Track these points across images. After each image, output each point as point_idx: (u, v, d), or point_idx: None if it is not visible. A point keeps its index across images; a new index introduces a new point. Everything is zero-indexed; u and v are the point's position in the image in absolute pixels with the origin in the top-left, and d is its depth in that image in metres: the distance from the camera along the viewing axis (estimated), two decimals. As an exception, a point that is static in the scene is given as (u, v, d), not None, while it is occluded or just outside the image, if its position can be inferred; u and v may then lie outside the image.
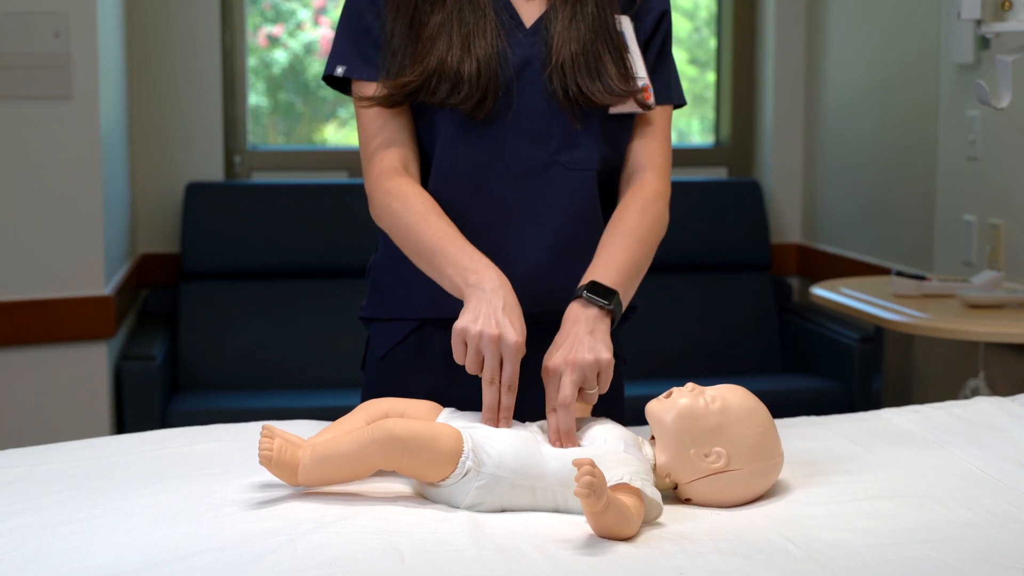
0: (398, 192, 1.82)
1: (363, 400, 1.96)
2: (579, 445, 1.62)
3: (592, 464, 1.43)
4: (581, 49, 1.83)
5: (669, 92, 1.92)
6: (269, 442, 1.55)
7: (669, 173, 1.90)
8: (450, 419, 1.66)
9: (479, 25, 1.82)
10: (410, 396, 1.86)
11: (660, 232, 1.87)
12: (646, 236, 1.83)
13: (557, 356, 1.68)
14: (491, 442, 1.57)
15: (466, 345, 1.67)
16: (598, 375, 1.68)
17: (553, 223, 1.85)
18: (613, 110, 1.85)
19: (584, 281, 1.75)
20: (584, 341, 1.68)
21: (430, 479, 1.54)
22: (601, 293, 1.73)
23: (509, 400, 1.65)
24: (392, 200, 1.82)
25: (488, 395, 1.65)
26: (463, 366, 1.69)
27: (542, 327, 1.82)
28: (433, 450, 1.53)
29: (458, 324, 1.68)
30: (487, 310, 1.67)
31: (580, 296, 1.73)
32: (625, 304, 1.77)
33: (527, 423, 1.68)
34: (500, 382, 1.65)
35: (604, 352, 1.68)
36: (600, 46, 1.84)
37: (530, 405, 1.75)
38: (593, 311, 1.72)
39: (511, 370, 1.65)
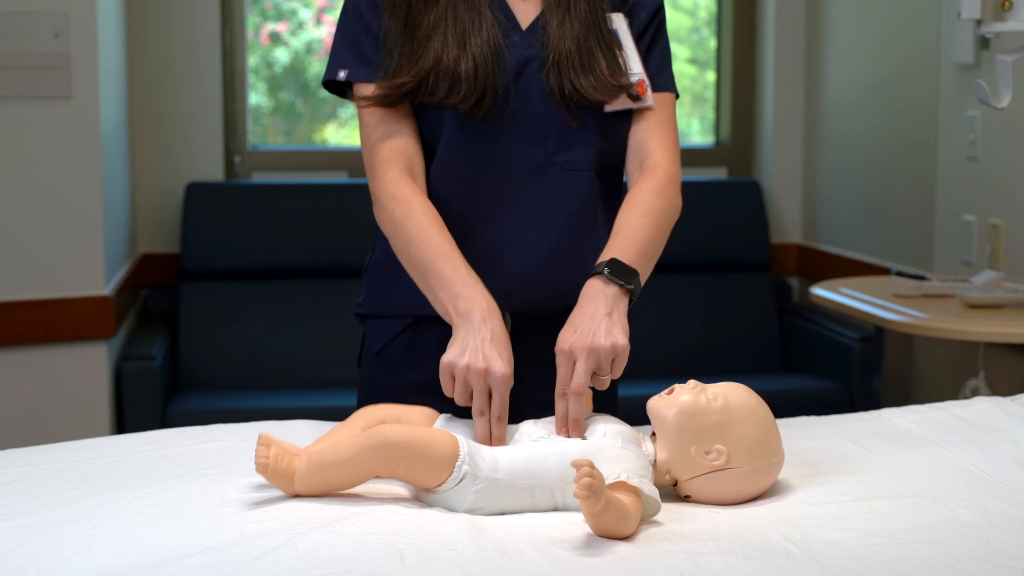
0: (403, 199, 1.82)
1: (360, 396, 1.97)
2: (584, 436, 1.62)
3: (591, 465, 1.43)
4: (575, 47, 1.83)
5: (667, 81, 1.92)
6: (266, 450, 1.55)
7: (679, 158, 1.90)
8: (446, 425, 1.67)
9: (475, 23, 1.83)
10: (405, 390, 1.88)
11: (674, 215, 1.87)
12: (661, 217, 1.83)
13: (575, 339, 1.68)
14: (486, 446, 1.58)
15: (454, 379, 1.67)
16: (612, 361, 1.68)
17: (549, 222, 1.86)
18: (608, 108, 1.86)
19: (604, 258, 1.75)
20: (602, 323, 1.68)
21: (427, 484, 1.54)
22: (621, 272, 1.73)
23: (500, 431, 1.66)
24: (396, 207, 1.82)
25: (479, 426, 1.66)
26: None
27: (538, 321, 1.83)
28: (429, 455, 1.53)
29: (445, 358, 1.68)
30: (474, 343, 1.68)
31: (601, 272, 1.73)
32: (641, 285, 1.78)
33: (517, 425, 1.69)
34: (489, 413, 1.66)
35: (621, 337, 1.68)
36: (593, 43, 1.84)
37: (538, 394, 1.75)
38: (613, 289, 1.72)
39: (500, 402, 1.66)
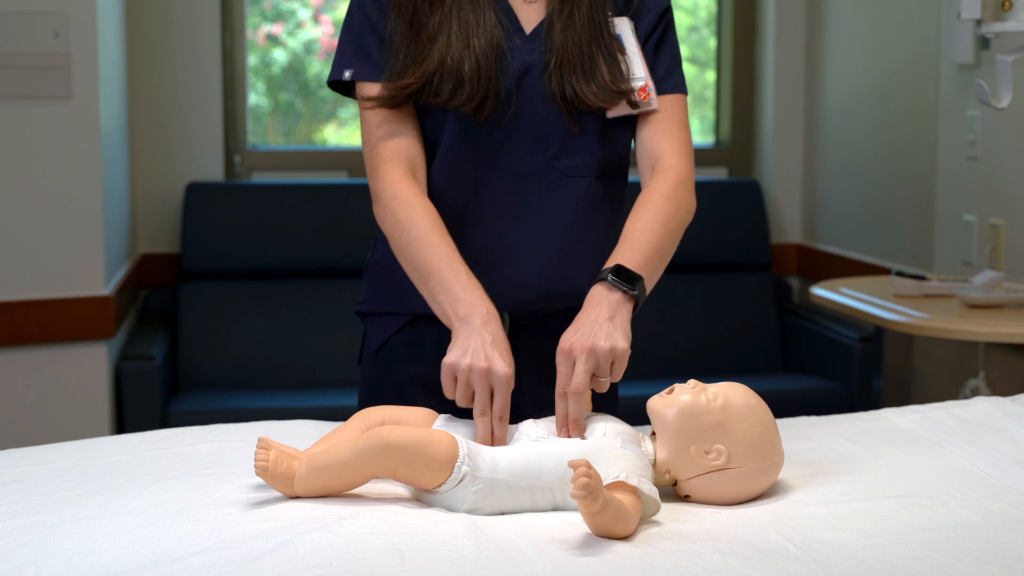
0: (404, 199, 1.82)
1: (361, 394, 1.97)
2: (584, 436, 1.62)
3: (588, 465, 1.43)
4: (577, 52, 1.83)
5: (677, 82, 1.92)
6: (265, 453, 1.55)
7: (691, 159, 1.90)
8: (445, 426, 1.67)
9: (478, 23, 1.83)
10: (405, 387, 1.88)
11: (686, 218, 1.87)
12: (670, 221, 1.83)
13: (575, 340, 1.68)
14: (486, 446, 1.58)
15: (456, 379, 1.68)
16: (612, 363, 1.68)
17: (549, 227, 1.86)
18: (610, 114, 1.86)
19: (609, 264, 1.76)
20: (603, 327, 1.69)
21: (426, 485, 1.54)
22: (626, 277, 1.73)
23: (501, 431, 1.66)
24: (398, 206, 1.82)
25: (480, 426, 1.66)
26: None
27: (537, 320, 1.83)
28: (428, 456, 1.52)
29: (447, 359, 1.69)
30: (475, 345, 1.68)
31: (605, 279, 1.73)
32: (649, 289, 1.77)
33: (517, 424, 1.69)
34: (491, 413, 1.66)
35: (621, 341, 1.68)
36: (595, 49, 1.84)
37: (538, 394, 1.76)
38: (617, 295, 1.72)
39: (501, 402, 1.66)
